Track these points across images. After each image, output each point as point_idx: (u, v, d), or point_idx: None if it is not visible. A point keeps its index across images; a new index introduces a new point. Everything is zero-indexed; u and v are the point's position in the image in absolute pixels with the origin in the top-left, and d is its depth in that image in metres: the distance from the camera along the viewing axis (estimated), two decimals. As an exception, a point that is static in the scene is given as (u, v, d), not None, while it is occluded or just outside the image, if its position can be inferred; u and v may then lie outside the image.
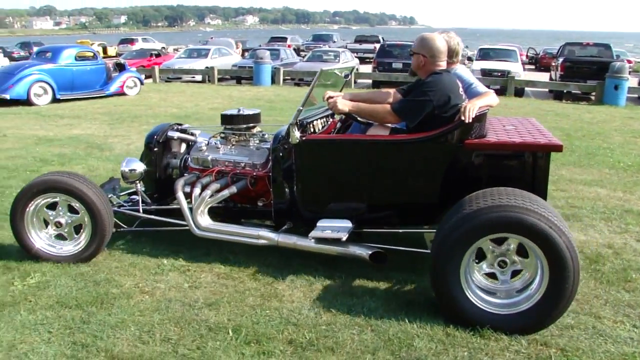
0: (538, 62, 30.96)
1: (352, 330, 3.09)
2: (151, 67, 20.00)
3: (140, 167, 4.32)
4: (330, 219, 3.73)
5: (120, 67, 15.50)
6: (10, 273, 3.77)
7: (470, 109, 3.32)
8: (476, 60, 19.65)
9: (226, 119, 4.33)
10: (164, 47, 34.56)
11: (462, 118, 3.31)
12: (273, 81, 18.38)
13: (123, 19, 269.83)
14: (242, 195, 4.11)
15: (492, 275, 3.24)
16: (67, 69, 13.65)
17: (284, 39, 35.16)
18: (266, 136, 4.34)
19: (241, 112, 4.32)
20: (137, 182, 4.34)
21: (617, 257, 4.18)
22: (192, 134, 4.66)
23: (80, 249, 3.93)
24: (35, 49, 22.10)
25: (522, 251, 3.13)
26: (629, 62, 20.42)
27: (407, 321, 3.17)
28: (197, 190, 4.03)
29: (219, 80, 19.38)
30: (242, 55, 27.11)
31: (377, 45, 26.14)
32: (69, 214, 3.95)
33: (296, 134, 3.67)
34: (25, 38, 54.58)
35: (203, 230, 3.98)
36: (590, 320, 3.24)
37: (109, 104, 13.32)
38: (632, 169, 7.09)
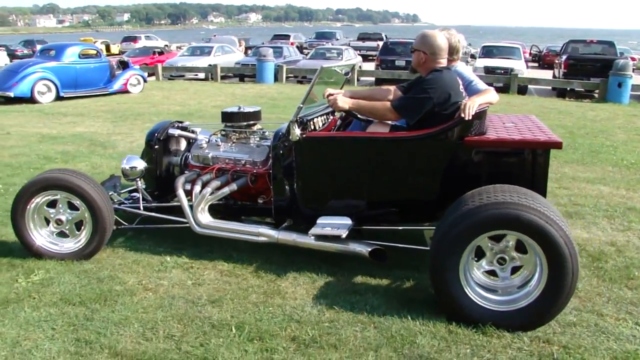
0: (541, 60, 30.89)
1: (355, 328, 3.10)
2: (154, 65, 20.05)
3: (140, 164, 4.33)
4: (330, 216, 3.73)
5: (124, 65, 15.53)
6: (14, 270, 3.79)
7: (470, 107, 3.33)
8: (479, 57, 19.61)
9: (226, 117, 4.34)
10: (166, 45, 34.54)
11: (462, 115, 3.31)
12: (276, 79, 18.36)
13: (126, 16, 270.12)
14: (242, 192, 4.13)
15: (492, 273, 3.25)
16: (70, 67, 13.67)
17: (287, 37, 35.17)
18: (266, 134, 4.35)
19: (241, 110, 4.33)
20: (138, 179, 4.35)
21: (619, 254, 4.18)
22: (192, 132, 4.67)
23: (80, 246, 3.95)
24: (38, 47, 22.16)
25: (520, 247, 3.13)
26: (633, 59, 20.35)
27: (409, 318, 3.17)
28: (197, 188, 4.05)
29: (222, 78, 19.38)
30: (245, 53, 27.12)
31: (380, 43, 26.13)
32: (69, 210, 3.96)
33: (296, 131, 3.67)
34: (28, 36, 54.63)
35: (203, 227, 3.99)
36: (592, 317, 3.24)
37: (112, 101, 13.34)
38: (635, 167, 7.08)
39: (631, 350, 2.91)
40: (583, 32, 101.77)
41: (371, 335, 3.03)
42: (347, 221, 3.67)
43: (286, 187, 3.85)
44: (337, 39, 35.24)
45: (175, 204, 4.29)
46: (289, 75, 19.02)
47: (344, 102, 3.73)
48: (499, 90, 15.31)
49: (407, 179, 3.61)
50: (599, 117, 11.60)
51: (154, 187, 4.54)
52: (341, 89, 4.22)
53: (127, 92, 14.85)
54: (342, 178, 3.75)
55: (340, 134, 4.00)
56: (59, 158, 7.28)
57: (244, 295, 3.49)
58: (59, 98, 13.29)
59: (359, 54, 25.08)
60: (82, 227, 3.97)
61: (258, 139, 4.32)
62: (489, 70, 17.14)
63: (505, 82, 15.91)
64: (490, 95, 3.62)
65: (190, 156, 4.45)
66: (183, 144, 4.71)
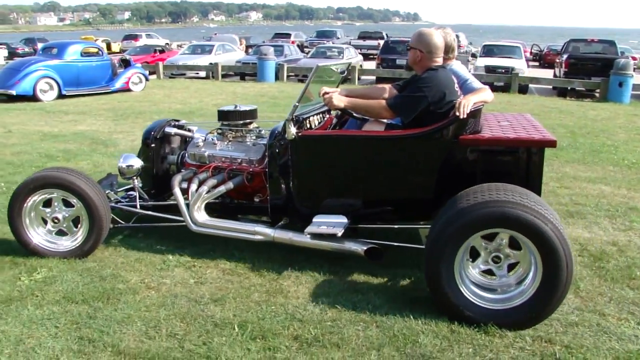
0: (542, 59, 30.85)
1: (357, 327, 3.11)
2: (155, 64, 20.04)
3: (137, 163, 4.33)
4: (326, 214, 3.74)
5: (126, 63, 15.54)
6: (17, 268, 3.80)
7: (465, 105, 3.33)
8: (480, 56, 19.58)
9: (223, 115, 4.35)
10: (167, 43, 34.54)
11: (457, 114, 3.32)
12: (277, 77, 18.36)
13: (127, 15, 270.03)
14: (238, 191, 4.14)
15: (489, 272, 3.26)
16: (72, 65, 13.68)
17: (288, 35, 35.16)
18: (263, 132, 4.36)
19: (237, 109, 4.34)
20: (135, 178, 4.35)
21: (621, 254, 4.18)
22: (189, 130, 4.67)
23: (77, 245, 3.96)
24: (39, 45, 22.15)
25: (515, 244, 3.15)
26: (634, 58, 20.31)
27: (411, 317, 3.18)
28: (193, 186, 4.06)
29: (223, 76, 19.38)
30: (246, 51, 27.09)
31: (381, 42, 26.13)
32: (64, 208, 3.97)
33: (292, 130, 3.68)
34: (29, 34, 54.66)
35: (200, 226, 4.00)
36: (594, 317, 3.24)
37: (113, 100, 13.34)
38: (636, 167, 7.08)
39: (633, 350, 2.91)
40: (584, 31, 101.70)
41: (373, 334, 3.04)
42: (343, 220, 3.68)
43: (282, 185, 3.86)
44: (338, 38, 35.20)
45: (171, 202, 4.28)
46: (290, 74, 19.01)
47: (340, 101, 3.74)
48: (499, 89, 15.47)
49: (402, 178, 3.62)
50: (600, 116, 11.60)
51: (150, 186, 4.54)
52: (337, 87, 4.22)
53: (129, 90, 14.86)
54: (338, 176, 3.76)
55: (336, 132, 4.01)
56: (60, 156, 7.29)
57: (246, 294, 3.49)
58: (61, 96, 13.31)
59: (359, 53, 25.07)
60: (79, 225, 3.97)
61: (254, 137, 4.32)
62: (489, 70, 17.10)
63: (506, 81, 15.90)
64: (485, 94, 3.63)
65: (186, 154, 4.46)
66: (179, 143, 4.72)
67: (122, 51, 30.52)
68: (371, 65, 21.79)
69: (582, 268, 3.92)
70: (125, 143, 8.23)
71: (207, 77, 19.59)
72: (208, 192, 3.99)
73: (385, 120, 3.73)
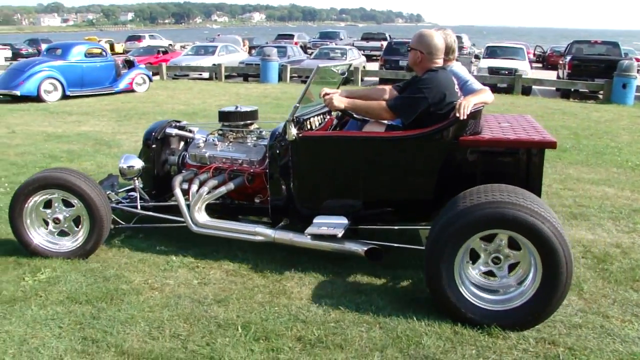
0: (545, 60, 30.81)
1: (361, 328, 3.11)
2: (158, 64, 20.07)
3: (138, 163, 4.34)
4: (327, 215, 3.75)
5: (130, 64, 15.58)
6: (21, 268, 3.81)
7: (465, 106, 3.34)
8: (483, 58, 19.55)
9: (224, 116, 4.35)
10: (171, 44, 34.64)
11: (457, 115, 3.32)
12: (280, 78, 18.38)
13: (130, 16, 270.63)
14: (239, 192, 4.15)
15: (490, 274, 3.26)
16: (77, 66, 13.72)
17: (291, 37, 35.19)
18: (263, 133, 4.36)
19: (238, 109, 4.34)
20: (135, 178, 4.36)
21: (625, 256, 4.18)
22: (190, 131, 4.68)
23: (78, 245, 3.96)
24: (43, 45, 22.20)
25: (514, 244, 3.15)
26: (638, 60, 20.26)
27: (415, 319, 3.18)
28: (194, 187, 4.06)
29: (226, 77, 19.37)
30: (249, 52, 27.13)
31: (384, 43, 26.11)
32: (65, 208, 3.97)
33: (293, 131, 3.69)
34: (32, 35, 54.78)
35: (200, 226, 4.00)
36: (598, 319, 3.24)
37: (117, 100, 13.37)
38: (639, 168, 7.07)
39: (637, 353, 2.90)
40: (587, 33, 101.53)
41: (377, 335, 3.04)
42: (344, 220, 3.69)
43: (283, 186, 3.86)
44: (341, 39, 35.22)
45: (172, 203, 4.29)
46: (293, 75, 19.02)
47: (340, 102, 3.74)
48: (503, 91, 15.45)
49: (402, 179, 3.62)
50: (604, 118, 11.57)
51: (151, 186, 4.55)
52: (337, 88, 4.23)
53: (132, 91, 14.90)
54: (338, 177, 3.76)
55: (336, 133, 4.01)
56: (64, 157, 7.31)
57: (249, 295, 3.50)
58: (65, 97, 13.34)
59: (362, 54, 25.08)
60: (80, 225, 3.98)
61: (255, 138, 4.33)
62: (493, 71, 17.07)
63: (509, 82, 15.88)
64: (485, 95, 3.63)
65: (187, 155, 4.47)
66: (180, 144, 4.73)
67: (125, 52, 30.63)
68: (374, 66, 21.80)
69: (586, 270, 3.92)
70: (128, 144, 8.24)
71: (210, 78, 19.61)
72: (209, 192, 4.00)
73: (385, 122, 3.74)
